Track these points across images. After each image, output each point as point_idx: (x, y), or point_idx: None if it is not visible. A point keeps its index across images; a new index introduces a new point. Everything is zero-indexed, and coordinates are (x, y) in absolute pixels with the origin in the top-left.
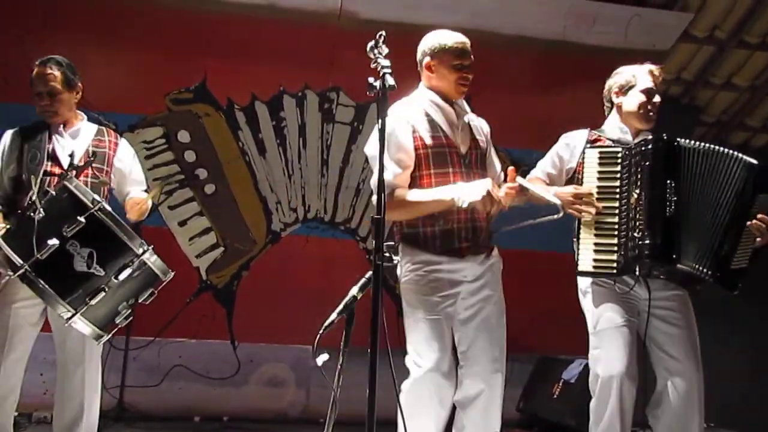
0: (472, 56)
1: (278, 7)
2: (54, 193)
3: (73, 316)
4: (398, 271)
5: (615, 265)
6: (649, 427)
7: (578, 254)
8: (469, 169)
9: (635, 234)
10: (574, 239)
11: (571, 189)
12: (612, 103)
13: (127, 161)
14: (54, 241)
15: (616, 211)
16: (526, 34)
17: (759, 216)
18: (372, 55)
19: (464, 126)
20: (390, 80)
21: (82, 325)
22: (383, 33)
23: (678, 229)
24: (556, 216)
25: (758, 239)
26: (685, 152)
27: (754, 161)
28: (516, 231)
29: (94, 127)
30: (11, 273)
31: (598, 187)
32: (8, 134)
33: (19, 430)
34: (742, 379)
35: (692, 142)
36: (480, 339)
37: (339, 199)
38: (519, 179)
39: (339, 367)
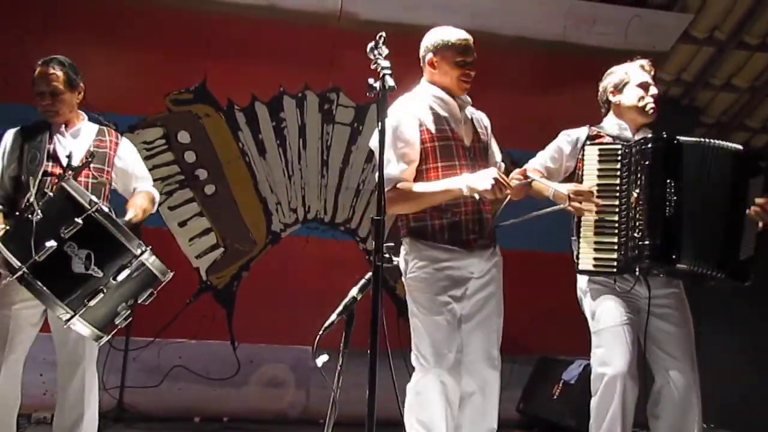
0: (474, 53)
1: (278, 8)
2: (52, 194)
3: (71, 317)
4: (403, 267)
5: (615, 263)
6: (647, 427)
7: (578, 252)
8: (474, 161)
9: (635, 234)
10: (573, 238)
11: (571, 186)
12: (609, 103)
13: (128, 159)
14: (51, 243)
15: (616, 210)
16: (526, 35)
17: (757, 201)
18: (372, 56)
19: (467, 119)
20: (390, 81)
21: (81, 327)
22: (383, 34)
23: (678, 229)
24: (562, 205)
25: (760, 224)
26: (684, 150)
27: (740, 147)
28: (516, 231)
29: (95, 127)
30: (10, 275)
31: (598, 184)
32: (10, 134)
33: (19, 430)
34: (742, 379)
35: (691, 138)
36: (478, 336)
37: (339, 200)
38: (530, 171)
39: (339, 367)
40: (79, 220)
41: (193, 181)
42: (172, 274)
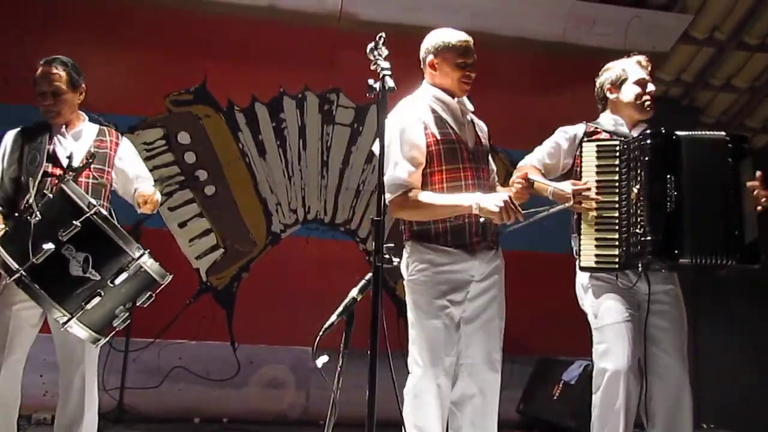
0: (475, 55)
1: (278, 9)
2: (51, 196)
3: (69, 320)
4: (403, 268)
5: (617, 259)
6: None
7: (580, 250)
8: (478, 164)
9: (637, 230)
10: (573, 235)
11: (568, 185)
12: (606, 100)
13: (128, 160)
14: (49, 246)
15: (616, 206)
16: (526, 36)
17: (748, 184)
18: (372, 57)
19: (468, 122)
20: (390, 82)
21: (78, 329)
22: (383, 34)
23: (680, 224)
24: (566, 205)
25: (758, 207)
26: (682, 145)
27: (722, 133)
28: (516, 232)
29: (96, 127)
30: (7, 277)
31: (597, 181)
32: (10, 135)
33: (20, 431)
34: (742, 379)
35: (687, 132)
36: (480, 339)
37: (339, 201)
38: (527, 168)
39: (339, 368)
40: (77, 223)
41: (193, 181)
42: (170, 277)
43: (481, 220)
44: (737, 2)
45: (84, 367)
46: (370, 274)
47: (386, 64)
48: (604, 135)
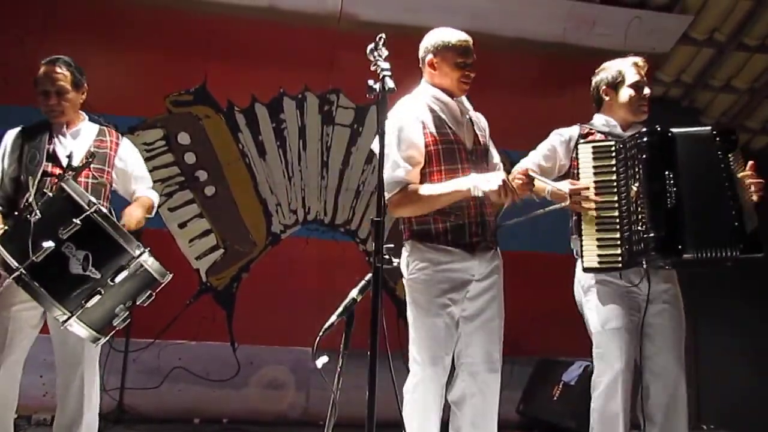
0: (474, 54)
1: (278, 9)
2: (51, 194)
3: (68, 318)
4: (403, 267)
5: (620, 258)
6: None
7: (582, 251)
8: (477, 164)
9: (639, 227)
10: (573, 236)
11: (567, 184)
12: (601, 100)
13: (128, 160)
14: (49, 244)
15: (616, 205)
16: (526, 37)
17: (740, 175)
18: (372, 58)
19: (467, 122)
20: (390, 83)
21: (78, 328)
22: (383, 35)
23: (681, 220)
24: (563, 204)
25: (753, 197)
26: (677, 141)
27: (708, 127)
28: (516, 232)
29: (96, 127)
30: (7, 275)
31: (595, 181)
32: (10, 134)
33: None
34: (742, 380)
35: (681, 129)
36: (480, 338)
37: (339, 201)
38: (526, 164)
39: (339, 369)
40: (77, 221)
41: (193, 182)
42: (170, 275)
43: (479, 219)
44: (737, 3)
45: (83, 367)
46: (370, 275)
47: (386, 65)
48: (598, 136)
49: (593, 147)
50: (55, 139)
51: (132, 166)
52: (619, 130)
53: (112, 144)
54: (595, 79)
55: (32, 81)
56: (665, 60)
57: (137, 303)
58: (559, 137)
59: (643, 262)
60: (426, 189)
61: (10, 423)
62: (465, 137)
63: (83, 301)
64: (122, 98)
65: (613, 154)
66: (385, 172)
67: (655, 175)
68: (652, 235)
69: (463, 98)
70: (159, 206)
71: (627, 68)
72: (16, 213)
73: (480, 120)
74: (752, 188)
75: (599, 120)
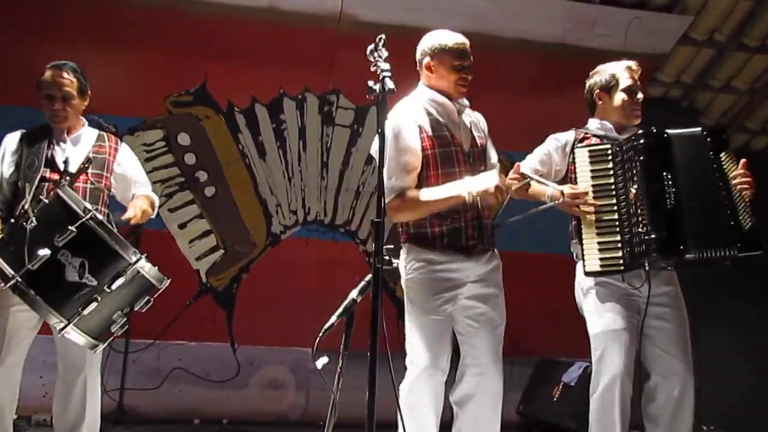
0: (471, 57)
1: (278, 10)
2: (47, 201)
3: (66, 326)
4: (401, 269)
5: (621, 261)
6: (641, 428)
7: (583, 255)
8: (474, 167)
9: (639, 229)
10: (573, 241)
11: (566, 189)
12: (594, 104)
13: (126, 165)
14: (45, 251)
15: (615, 208)
16: (526, 37)
17: (733, 174)
18: (372, 58)
19: (464, 123)
20: (389, 83)
21: (75, 335)
22: (383, 36)
23: (681, 220)
24: (557, 202)
25: (746, 196)
26: (673, 142)
27: (698, 129)
28: (516, 233)
29: (95, 132)
30: (3, 283)
31: (593, 185)
32: (11, 138)
33: None
34: (741, 380)
35: (675, 130)
36: (483, 339)
37: (339, 202)
38: (523, 169)
39: (339, 369)
40: (72, 228)
41: (193, 183)
42: (168, 281)
43: (475, 222)
44: (737, 4)
45: (85, 371)
46: (369, 276)
47: (386, 66)
48: (594, 140)
49: (590, 151)
50: (55, 145)
51: (131, 171)
52: (614, 134)
53: (111, 149)
54: (588, 83)
55: (34, 82)
56: (665, 60)
57: (135, 309)
58: (555, 142)
59: (645, 264)
60: (423, 194)
61: (9, 424)
62: (462, 139)
63: (80, 309)
64: (122, 99)
65: (610, 157)
66: (386, 177)
67: (653, 176)
68: (653, 236)
69: (462, 99)
70: (159, 207)
71: (620, 72)
72: (12, 220)
73: (479, 121)
74: (745, 186)
75: (594, 124)
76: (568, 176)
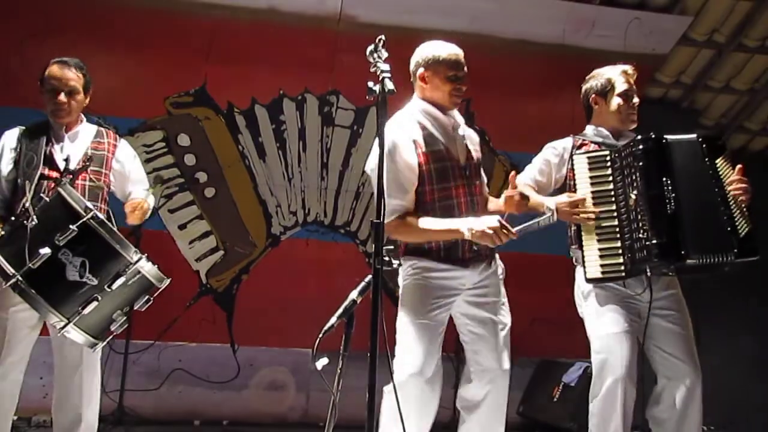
0: (465, 68)
1: (278, 11)
2: (47, 200)
3: (66, 325)
4: (400, 280)
5: (622, 268)
6: (648, 429)
7: (584, 262)
8: (470, 180)
9: (640, 235)
10: (573, 247)
11: (566, 198)
12: (590, 108)
13: (125, 162)
14: (46, 250)
15: (615, 214)
16: (526, 38)
17: (729, 180)
18: (372, 59)
19: (459, 137)
20: (389, 84)
21: (75, 334)
22: (383, 37)
23: (681, 225)
24: (551, 219)
25: (742, 201)
26: (672, 147)
27: (693, 135)
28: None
29: (94, 128)
30: (3, 282)
31: (593, 192)
32: (9, 134)
33: None
34: (741, 380)
35: (674, 136)
36: (484, 344)
37: (339, 203)
38: (520, 186)
39: (339, 371)
40: (73, 227)
41: (193, 184)
42: (168, 280)
43: (474, 248)
44: (737, 4)
45: (82, 368)
46: (369, 276)
47: (386, 67)
48: (592, 146)
49: (588, 158)
50: (53, 142)
51: (129, 168)
52: (611, 140)
53: (110, 146)
54: (584, 87)
55: (34, 84)
56: (665, 61)
57: (135, 308)
58: (552, 150)
59: (647, 270)
60: (422, 222)
61: (7, 425)
62: (458, 153)
63: (80, 308)
64: (122, 100)
65: (609, 163)
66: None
67: (653, 181)
68: (654, 241)
69: (455, 113)
70: (159, 208)
71: (616, 76)
72: (12, 218)
73: (473, 135)
74: (739, 192)
75: (591, 130)
76: (567, 183)
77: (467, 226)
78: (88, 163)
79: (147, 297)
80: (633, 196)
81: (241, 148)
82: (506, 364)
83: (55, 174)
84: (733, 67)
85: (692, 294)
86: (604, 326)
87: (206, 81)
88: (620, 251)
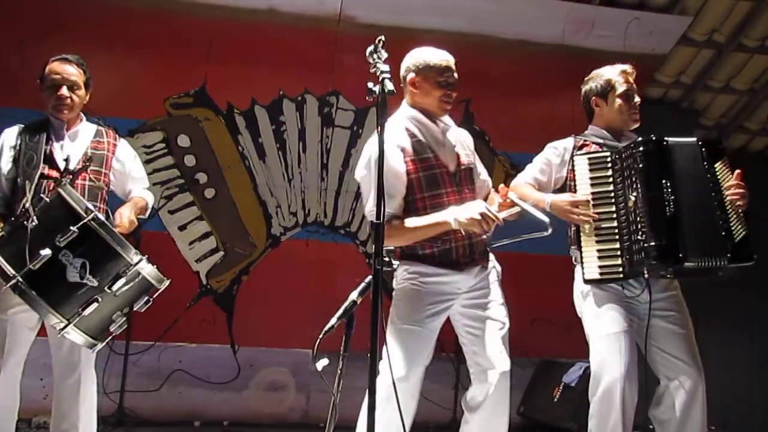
0: (456, 74)
1: (278, 12)
2: (48, 200)
3: (66, 326)
4: (394, 283)
5: (621, 269)
6: (651, 429)
7: (582, 262)
8: (461, 187)
9: (639, 237)
10: (572, 247)
11: (567, 197)
12: (591, 110)
13: (125, 161)
14: (46, 252)
15: (614, 216)
16: (526, 38)
17: (727, 185)
18: (371, 60)
19: (449, 143)
20: (389, 85)
21: (75, 335)
22: (383, 38)
23: (680, 228)
24: (545, 233)
25: (739, 208)
26: (673, 150)
27: (693, 139)
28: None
29: (93, 127)
30: (4, 282)
31: (593, 193)
32: (9, 132)
33: None
34: (741, 380)
35: (674, 138)
36: (481, 346)
37: (339, 203)
38: (511, 195)
39: (339, 371)
40: (74, 229)
41: (193, 184)
42: (168, 281)
43: (466, 241)
44: (736, 4)
45: (80, 370)
46: (369, 277)
47: (386, 67)
48: (593, 147)
49: (589, 159)
50: (53, 141)
51: (129, 168)
52: (613, 141)
53: (110, 145)
54: (584, 89)
55: (33, 84)
56: (664, 61)
57: (135, 309)
58: (553, 150)
59: (645, 272)
60: (409, 222)
61: (11, 426)
62: (447, 160)
63: (80, 309)
64: (122, 101)
65: (609, 164)
66: (367, 205)
67: (653, 184)
68: (652, 243)
69: (446, 117)
70: (159, 209)
71: (616, 77)
72: (12, 218)
73: (465, 140)
74: (736, 197)
75: (592, 131)
76: (567, 184)
77: (453, 216)
78: (88, 163)
79: (147, 298)
80: (632, 198)
81: (241, 148)
82: (506, 364)
83: (55, 173)
84: (732, 67)
85: (692, 294)
86: (602, 326)
87: (206, 82)
88: (619, 252)
